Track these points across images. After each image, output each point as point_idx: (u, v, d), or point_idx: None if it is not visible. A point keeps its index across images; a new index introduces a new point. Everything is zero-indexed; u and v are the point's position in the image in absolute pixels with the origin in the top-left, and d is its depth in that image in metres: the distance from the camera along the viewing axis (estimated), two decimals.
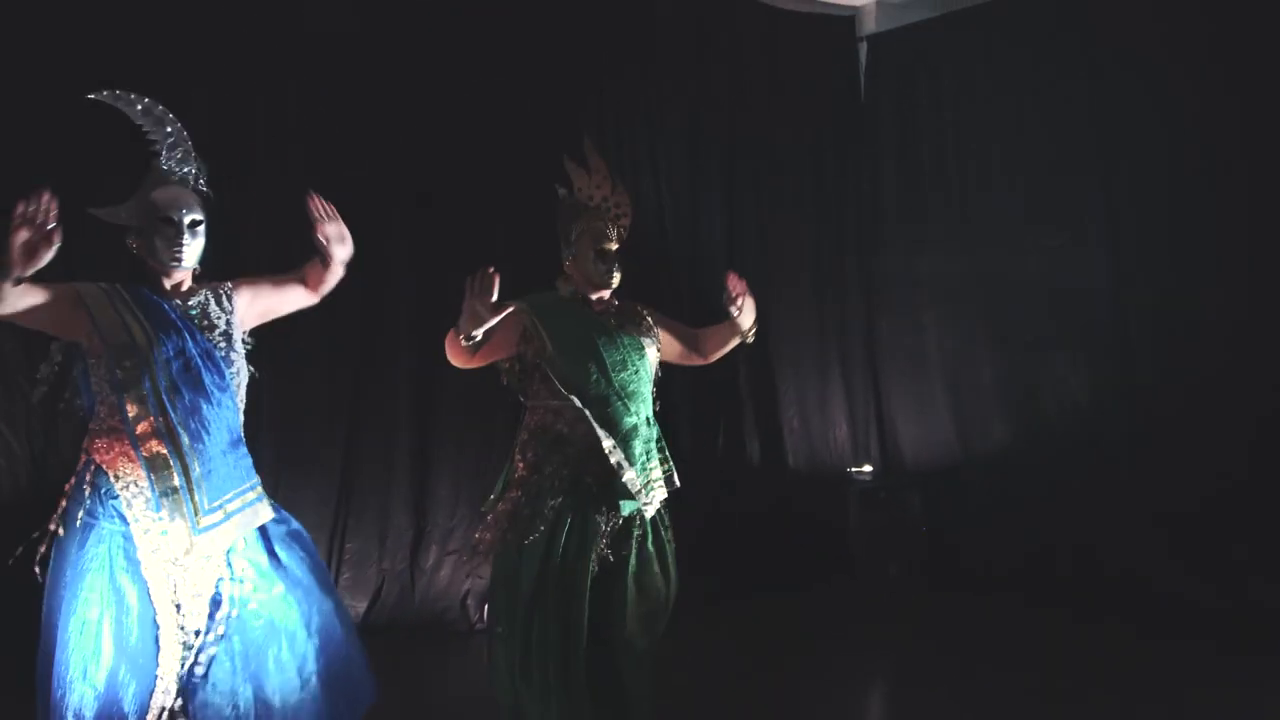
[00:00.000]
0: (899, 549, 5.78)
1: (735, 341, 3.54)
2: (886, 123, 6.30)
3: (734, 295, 3.35)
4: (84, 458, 2.83)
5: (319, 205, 2.98)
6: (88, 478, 2.79)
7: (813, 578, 5.76)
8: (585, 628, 3.17)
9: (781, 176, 6.19)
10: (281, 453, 4.79)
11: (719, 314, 3.42)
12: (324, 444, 4.93)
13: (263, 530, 2.95)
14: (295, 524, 3.08)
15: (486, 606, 3.42)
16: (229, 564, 2.85)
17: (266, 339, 4.72)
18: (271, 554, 2.95)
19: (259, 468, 4.61)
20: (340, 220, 3.01)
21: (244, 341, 3.05)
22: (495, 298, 2.94)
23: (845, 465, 6.18)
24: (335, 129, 4.93)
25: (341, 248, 3.02)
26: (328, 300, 4.86)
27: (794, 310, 6.17)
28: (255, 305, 3.10)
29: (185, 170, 3.02)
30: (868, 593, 5.72)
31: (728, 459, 5.93)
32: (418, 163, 5.15)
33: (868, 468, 6.10)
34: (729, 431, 5.96)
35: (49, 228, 2.47)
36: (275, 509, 2.98)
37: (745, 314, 3.39)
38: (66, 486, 2.83)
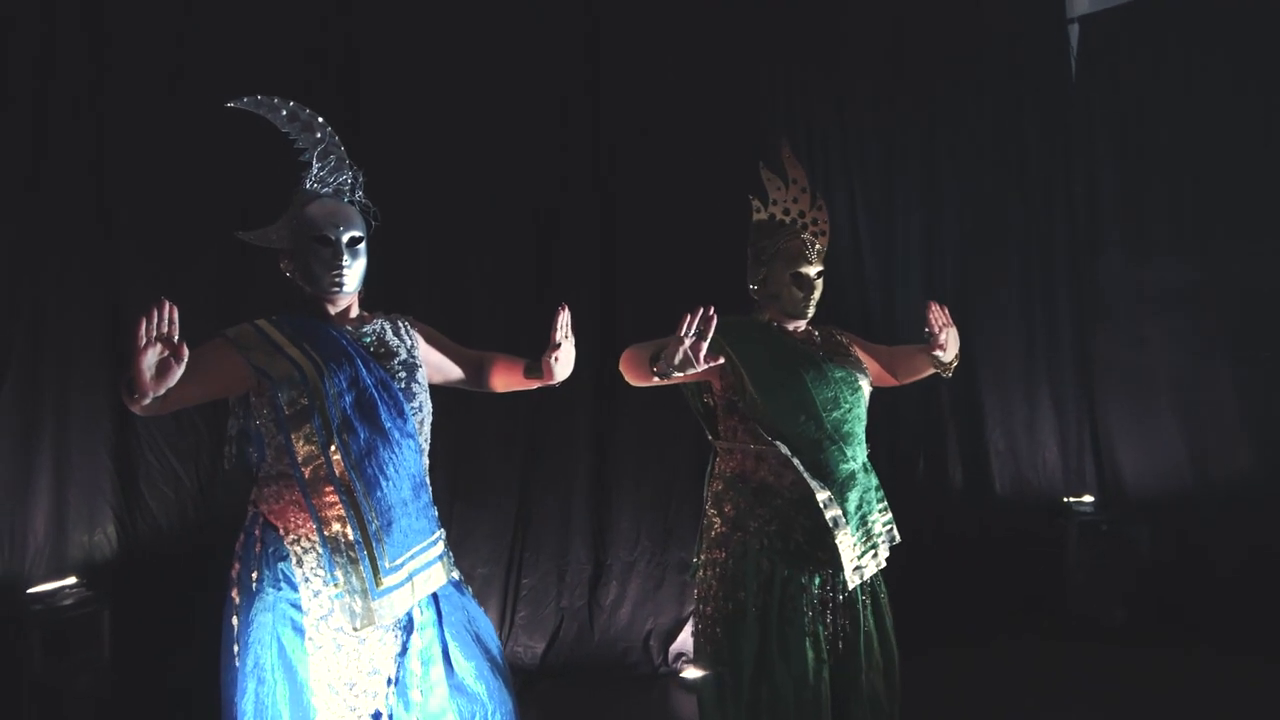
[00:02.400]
0: (1124, 591, 5.16)
1: (931, 372, 3.11)
2: (1101, 113, 5.67)
3: (936, 331, 2.91)
4: (251, 511, 2.56)
5: (566, 321, 2.61)
6: (256, 533, 2.52)
7: (1021, 621, 5.22)
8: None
9: (984, 176, 5.65)
10: (455, 486, 4.59)
11: (914, 331, 3.03)
12: (499, 476, 4.70)
13: (434, 597, 2.61)
14: (467, 593, 2.74)
15: (699, 677, 3.08)
16: (406, 637, 2.53)
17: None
18: (441, 625, 2.61)
19: (434, 502, 4.58)
20: (572, 342, 2.68)
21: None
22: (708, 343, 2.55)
23: (1055, 493, 5.59)
24: (503, 137, 4.69)
25: (564, 370, 2.66)
26: (502, 325, 4.75)
27: (999, 322, 5.63)
28: (429, 355, 2.79)
29: (339, 180, 2.72)
30: (1087, 642, 5.09)
31: (929, 486, 5.44)
32: (597, 172, 4.89)
33: (1088, 498, 5.49)
34: (930, 456, 5.47)
35: (175, 341, 2.14)
36: (452, 566, 2.67)
37: (948, 348, 2.95)
38: (236, 545, 2.57)
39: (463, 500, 4.62)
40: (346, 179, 2.75)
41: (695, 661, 3.07)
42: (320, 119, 2.74)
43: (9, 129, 3.86)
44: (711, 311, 2.52)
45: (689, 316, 2.50)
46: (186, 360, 2.16)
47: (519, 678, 4.60)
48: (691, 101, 4.93)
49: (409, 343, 2.71)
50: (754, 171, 3.21)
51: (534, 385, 2.73)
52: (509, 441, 4.71)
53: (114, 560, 4.06)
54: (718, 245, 4.11)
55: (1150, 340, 5.48)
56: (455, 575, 2.70)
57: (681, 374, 2.59)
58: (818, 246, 3.09)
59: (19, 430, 3.97)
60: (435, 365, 2.80)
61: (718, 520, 3.04)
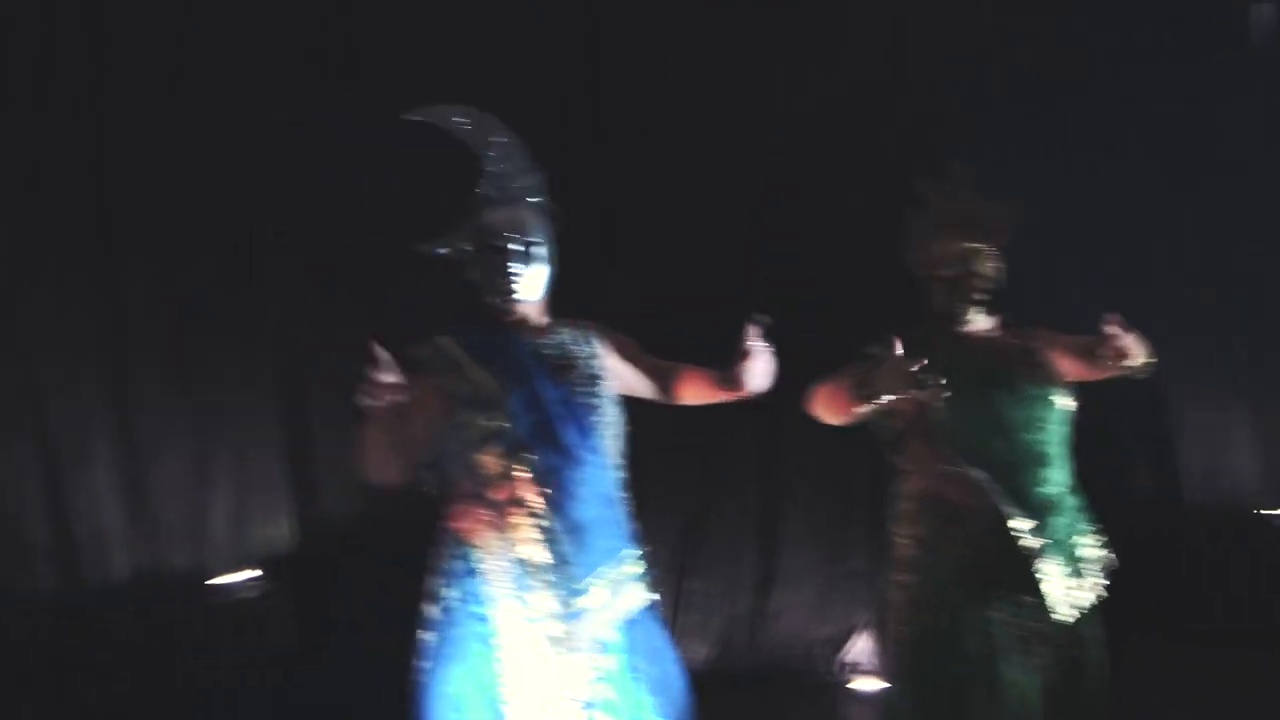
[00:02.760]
0: None
1: (1115, 375, 2.84)
2: None
3: (1113, 346, 2.64)
4: (445, 528, 2.50)
5: (761, 333, 2.41)
6: (450, 550, 2.45)
7: (1214, 634, 4.85)
8: None
9: (1181, 161, 5.23)
10: (625, 487, 4.51)
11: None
12: (667, 478, 4.58)
13: (626, 625, 2.48)
14: (659, 615, 2.62)
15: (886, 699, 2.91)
16: (600, 660, 2.42)
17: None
18: (630, 649, 2.48)
19: None
20: (768, 353, 2.44)
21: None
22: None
23: (1249, 503, 5.19)
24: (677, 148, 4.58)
25: (757, 381, 2.46)
26: (670, 323, 4.63)
27: (1191, 317, 5.24)
28: (616, 366, 2.65)
29: (519, 186, 2.63)
30: None
31: (1114, 494, 5.09)
32: (756, 176, 4.72)
33: None
34: (1117, 464, 5.13)
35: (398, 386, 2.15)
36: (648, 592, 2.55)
37: (1133, 358, 2.70)
38: (433, 559, 2.51)
39: (631, 501, 4.52)
40: (527, 184, 2.66)
41: (884, 687, 2.89)
42: (499, 121, 2.65)
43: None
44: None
45: (896, 340, 2.42)
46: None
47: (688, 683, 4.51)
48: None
49: (592, 353, 2.59)
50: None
51: (727, 397, 2.57)
52: (678, 444, 4.58)
53: (291, 553, 4.10)
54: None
55: None
56: (654, 596, 2.59)
57: (891, 398, 2.47)
58: (989, 246, 2.89)
59: (201, 425, 4.04)
60: (623, 377, 2.67)
61: (907, 541, 2.84)
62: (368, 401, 2.12)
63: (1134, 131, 5.12)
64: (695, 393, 2.67)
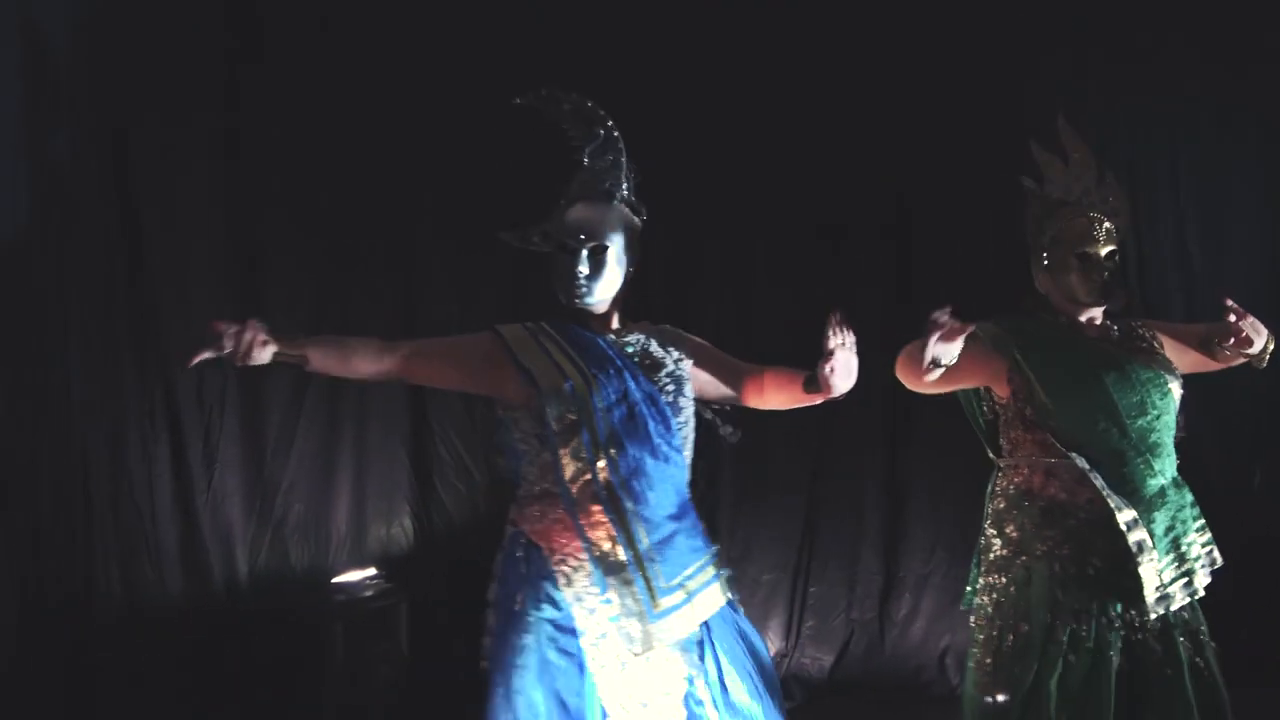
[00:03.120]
0: None
1: (1233, 364, 2.72)
2: None
3: (1234, 331, 2.54)
4: (510, 530, 2.43)
5: (841, 329, 2.26)
6: (519, 554, 2.38)
7: None
8: None
9: None
10: (742, 490, 4.45)
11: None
12: (786, 479, 4.51)
13: (706, 624, 2.39)
14: (740, 612, 2.52)
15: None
16: (699, 657, 2.34)
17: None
18: (713, 645, 2.39)
19: (719, 504, 4.44)
20: (853, 351, 2.29)
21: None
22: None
23: None
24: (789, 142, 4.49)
25: (843, 381, 2.30)
26: (794, 319, 4.53)
27: None
28: (696, 370, 2.56)
29: (608, 183, 2.54)
30: None
31: (1264, 497, 4.79)
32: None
33: None
34: (1270, 464, 4.82)
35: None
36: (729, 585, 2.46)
37: (1256, 342, 2.57)
38: (495, 565, 2.44)
39: (749, 505, 4.47)
40: (619, 181, 2.56)
41: (967, 701, 2.74)
42: (603, 112, 2.57)
43: None
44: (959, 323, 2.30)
45: (937, 319, 2.30)
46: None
47: (806, 690, 4.43)
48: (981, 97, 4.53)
49: (676, 356, 2.52)
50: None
51: (814, 400, 2.44)
52: (797, 443, 4.50)
53: (410, 552, 4.15)
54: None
55: None
56: (732, 596, 2.49)
57: (946, 362, 2.37)
58: (1107, 225, 2.72)
59: (323, 427, 4.12)
60: (704, 379, 2.58)
61: (998, 542, 2.72)
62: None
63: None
64: (777, 396, 2.54)
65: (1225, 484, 4.61)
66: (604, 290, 2.48)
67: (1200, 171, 4.78)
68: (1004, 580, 2.67)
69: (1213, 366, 2.83)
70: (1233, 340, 2.59)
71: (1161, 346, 2.77)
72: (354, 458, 4.19)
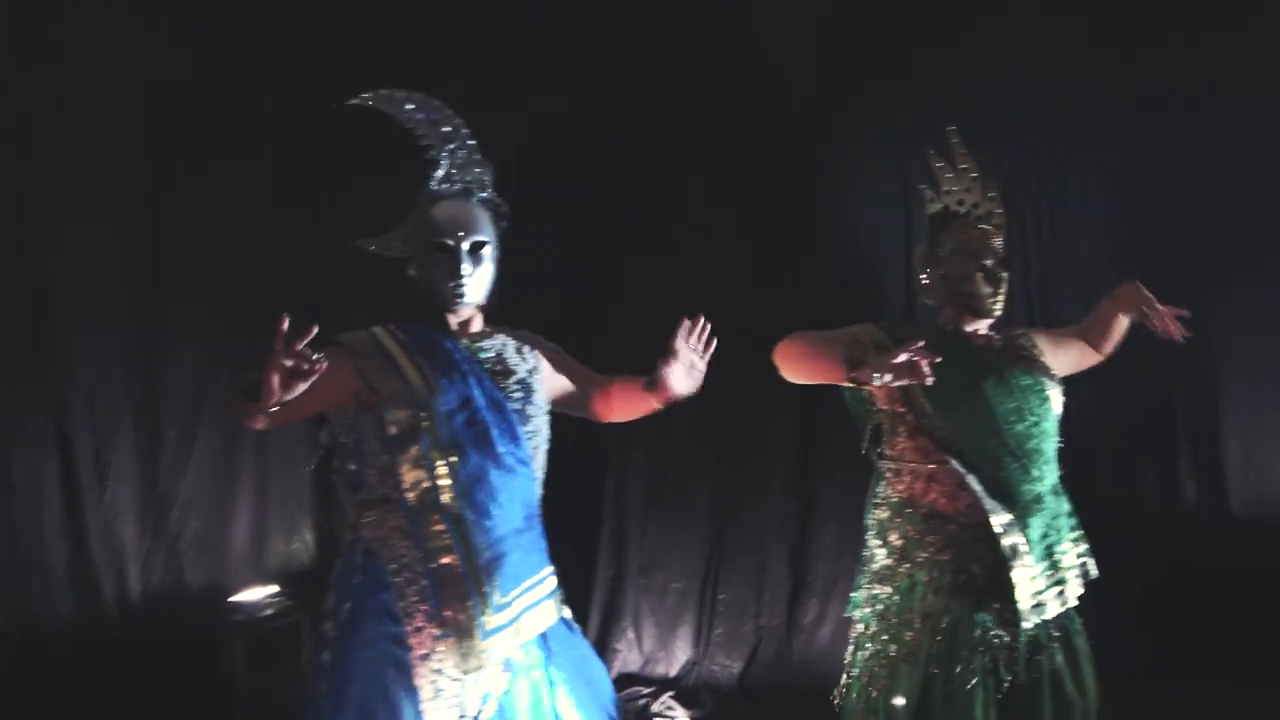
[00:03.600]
0: None
1: (1126, 328, 2.83)
2: None
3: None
4: (350, 537, 2.34)
5: (693, 333, 2.28)
6: (357, 561, 2.28)
7: (1267, 661, 4.68)
8: None
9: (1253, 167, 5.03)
10: (650, 496, 4.44)
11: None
12: (695, 485, 4.51)
13: (544, 639, 2.35)
14: (577, 631, 2.47)
15: None
16: (512, 680, 2.27)
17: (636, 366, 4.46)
18: (549, 664, 2.34)
19: (627, 512, 4.42)
20: (705, 354, 2.31)
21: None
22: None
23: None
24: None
25: (683, 384, 2.32)
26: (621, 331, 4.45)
27: (1240, 316, 5.05)
28: (552, 378, 2.53)
29: (468, 179, 2.47)
30: None
31: (1158, 505, 4.94)
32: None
33: None
34: (1160, 471, 4.97)
35: (312, 359, 1.96)
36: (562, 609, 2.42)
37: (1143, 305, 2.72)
38: (332, 574, 2.34)
39: (658, 512, 4.46)
40: (477, 175, 2.50)
41: (849, 714, 2.73)
42: (450, 110, 2.50)
43: None
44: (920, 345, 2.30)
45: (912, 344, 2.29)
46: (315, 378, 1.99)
47: (715, 698, 4.43)
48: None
49: (530, 363, 2.47)
50: None
51: (654, 402, 2.41)
52: (706, 448, 4.51)
53: (313, 567, 4.05)
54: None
55: None
56: (566, 614, 2.45)
57: (884, 383, 2.34)
58: (999, 238, 2.77)
59: (222, 439, 3.99)
60: (559, 389, 2.55)
61: (882, 551, 2.72)
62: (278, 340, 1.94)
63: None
64: (623, 404, 2.55)
65: (1115, 487, 4.77)
66: (480, 290, 2.41)
67: (1106, 188, 4.92)
68: (888, 590, 2.66)
69: (1095, 358, 2.90)
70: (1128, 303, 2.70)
71: (1042, 353, 2.80)
72: (254, 470, 4.08)
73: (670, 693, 4.35)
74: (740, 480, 4.56)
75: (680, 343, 2.27)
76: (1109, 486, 4.68)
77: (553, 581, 2.39)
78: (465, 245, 2.38)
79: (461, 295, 2.38)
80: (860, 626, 2.75)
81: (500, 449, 2.29)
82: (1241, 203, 4.94)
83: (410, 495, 2.24)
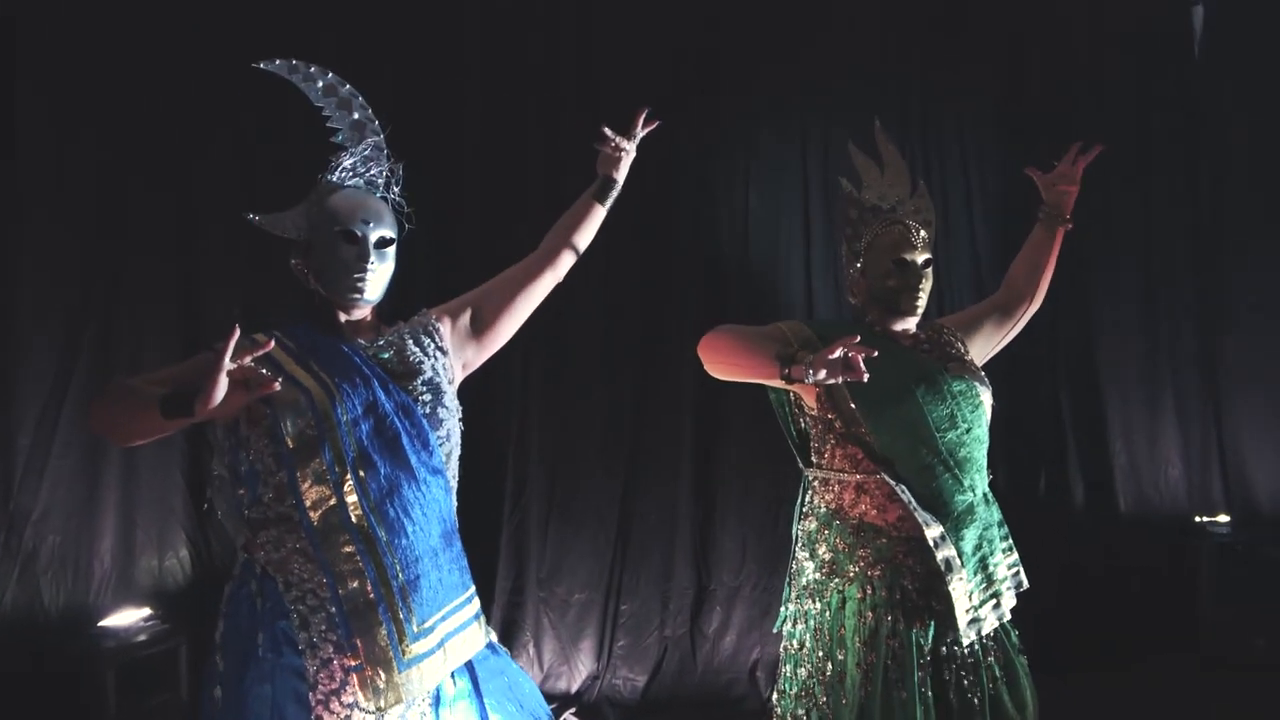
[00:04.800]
0: (1265, 618, 4.74)
1: (1055, 250, 2.82)
2: (1231, 101, 5.21)
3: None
4: (242, 559, 2.11)
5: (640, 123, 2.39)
6: (251, 587, 2.06)
7: (1151, 650, 4.79)
8: None
9: (1104, 170, 5.16)
10: (551, 503, 4.25)
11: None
12: (597, 492, 4.34)
13: (469, 666, 2.16)
14: (504, 653, 2.31)
15: None
16: (436, 713, 2.08)
17: (536, 368, 4.27)
18: (479, 695, 2.16)
19: (526, 521, 4.21)
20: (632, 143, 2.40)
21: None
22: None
23: (1180, 512, 5.15)
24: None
25: (623, 166, 2.42)
26: (603, 327, 4.37)
27: (1122, 324, 5.18)
28: (475, 327, 2.35)
29: (373, 171, 2.30)
30: (1224, 674, 4.64)
31: (1050, 505, 5.01)
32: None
33: (1223, 517, 5.07)
34: (1051, 473, 5.04)
35: (266, 376, 1.82)
36: (488, 631, 2.23)
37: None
38: (223, 601, 2.11)
39: (558, 521, 4.27)
40: (382, 171, 2.32)
41: None
42: (360, 98, 2.31)
43: None
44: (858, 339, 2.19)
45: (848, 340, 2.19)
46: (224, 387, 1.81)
47: (619, 712, 4.26)
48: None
49: (432, 351, 2.25)
50: None
51: (601, 207, 2.44)
52: (608, 454, 4.34)
53: (188, 588, 3.71)
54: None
55: None
56: (492, 637, 2.26)
57: (817, 380, 2.23)
58: (923, 234, 2.66)
59: (84, 443, 3.62)
60: (486, 322, 2.37)
61: (810, 565, 2.58)
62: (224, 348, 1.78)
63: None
64: (571, 235, 2.46)
65: (1012, 491, 4.80)
66: (381, 287, 2.23)
67: (988, 182, 4.96)
68: (818, 606, 2.54)
69: (1027, 308, 2.85)
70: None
71: (967, 350, 2.71)
72: (120, 479, 3.71)
73: (572, 709, 4.18)
74: (642, 486, 4.40)
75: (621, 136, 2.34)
76: (1002, 490, 4.71)
77: (476, 603, 2.18)
78: (372, 238, 2.20)
79: (362, 290, 2.19)
80: (793, 644, 2.62)
81: (412, 459, 2.09)
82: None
83: (313, 514, 2.02)
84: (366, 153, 2.30)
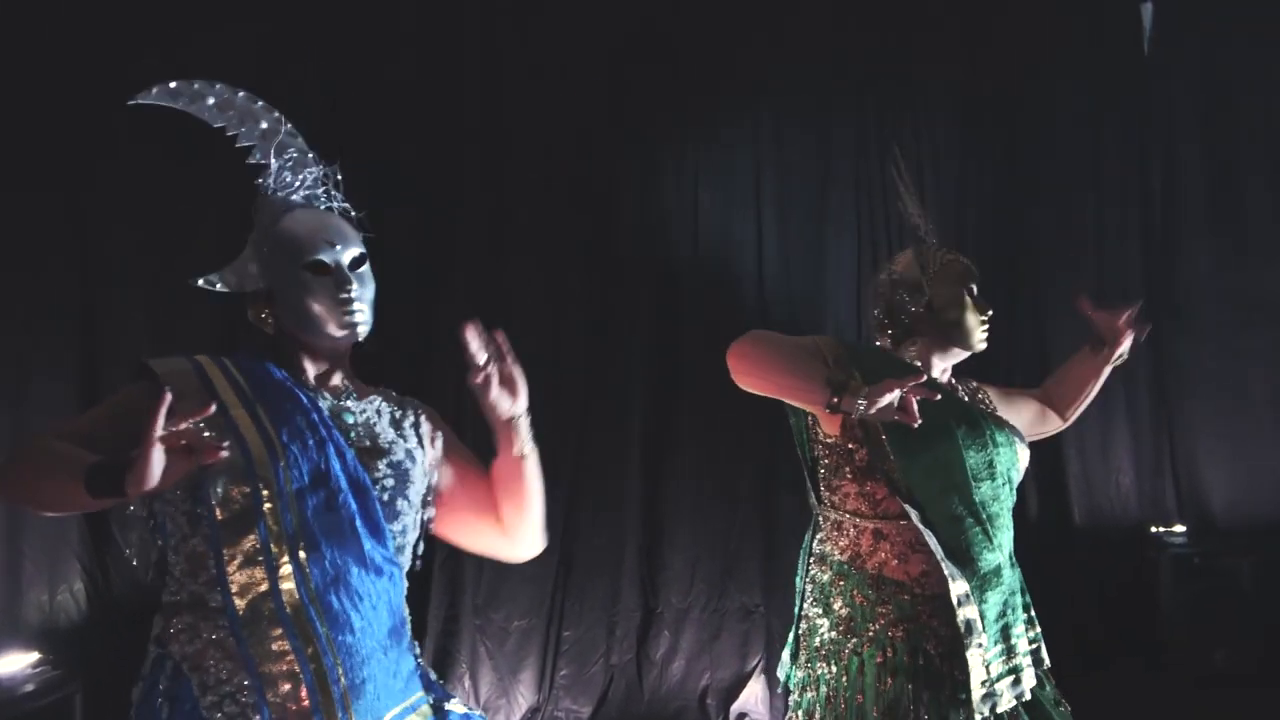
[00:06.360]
0: (1226, 630, 4.63)
1: (1101, 383, 2.59)
2: (1182, 98, 5.10)
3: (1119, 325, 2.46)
4: (153, 653, 1.73)
5: (481, 337, 1.74)
6: (161, 686, 1.68)
7: (1109, 663, 4.68)
8: None
9: (1055, 173, 5.03)
10: None
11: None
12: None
13: None
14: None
15: None
16: None
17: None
18: None
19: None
20: (513, 360, 1.80)
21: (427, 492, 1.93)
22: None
23: (1133, 523, 5.02)
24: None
25: (507, 400, 1.80)
26: (546, 338, 4.07)
27: (1073, 330, 5.04)
28: (445, 467, 1.98)
29: (307, 185, 1.93)
30: (1183, 686, 4.53)
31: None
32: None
33: (1179, 527, 4.95)
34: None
35: (215, 443, 1.47)
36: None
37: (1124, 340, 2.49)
38: (133, 701, 1.73)
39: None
40: (314, 178, 1.94)
41: None
42: (261, 103, 1.94)
43: None
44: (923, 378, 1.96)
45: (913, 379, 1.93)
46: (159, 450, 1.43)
47: None
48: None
49: (411, 442, 1.90)
50: None
51: (512, 453, 1.88)
52: (550, 472, 4.00)
53: (83, 627, 3.32)
54: None
55: (1244, 353, 4.94)
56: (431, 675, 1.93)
57: (864, 416, 1.97)
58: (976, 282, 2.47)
59: None
60: (454, 484, 1.98)
61: (825, 623, 2.33)
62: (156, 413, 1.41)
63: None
64: (505, 489, 1.94)
65: None
66: (370, 313, 1.87)
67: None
68: (833, 669, 2.29)
69: (1056, 424, 2.65)
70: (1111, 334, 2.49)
71: (995, 410, 2.50)
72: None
73: None
74: (585, 504, 4.11)
75: (475, 355, 1.73)
76: None
77: (427, 707, 1.83)
78: (345, 259, 1.84)
79: (356, 323, 1.83)
80: (799, 714, 2.36)
81: (366, 544, 1.73)
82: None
83: (239, 601, 1.65)
84: (290, 162, 1.92)
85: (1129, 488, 5.10)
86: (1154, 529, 4.94)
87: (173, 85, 1.88)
